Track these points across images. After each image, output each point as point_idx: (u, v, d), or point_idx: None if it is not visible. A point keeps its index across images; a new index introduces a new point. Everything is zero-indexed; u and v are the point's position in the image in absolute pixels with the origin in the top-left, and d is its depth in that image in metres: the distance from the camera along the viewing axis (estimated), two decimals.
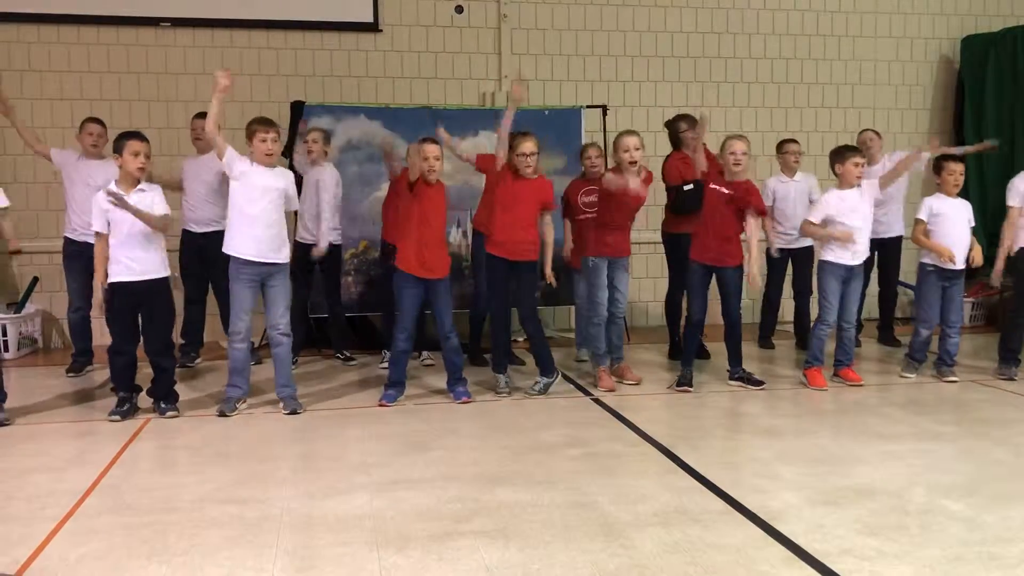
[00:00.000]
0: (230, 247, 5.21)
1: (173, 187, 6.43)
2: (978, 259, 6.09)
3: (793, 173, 7.13)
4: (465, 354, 6.33)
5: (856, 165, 5.82)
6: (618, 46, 8.47)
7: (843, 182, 5.87)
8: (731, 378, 6.00)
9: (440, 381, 5.92)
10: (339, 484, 4.03)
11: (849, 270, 5.88)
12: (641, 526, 3.49)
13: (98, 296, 5.14)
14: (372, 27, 8.00)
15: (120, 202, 4.95)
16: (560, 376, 5.90)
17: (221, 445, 4.70)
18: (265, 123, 5.26)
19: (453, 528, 3.49)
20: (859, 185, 5.88)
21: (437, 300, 5.54)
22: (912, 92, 9.10)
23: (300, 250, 6.44)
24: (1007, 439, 4.70)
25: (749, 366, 6.06)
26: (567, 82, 8.37)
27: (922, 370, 6.26)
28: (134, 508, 3.74)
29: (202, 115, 6.66)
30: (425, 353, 6.76)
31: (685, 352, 5.95)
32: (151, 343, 5.22)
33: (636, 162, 5.69)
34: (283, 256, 5.31)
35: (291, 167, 6.53)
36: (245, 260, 5.19)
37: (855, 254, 5.86)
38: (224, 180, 5.62)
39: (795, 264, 7.26)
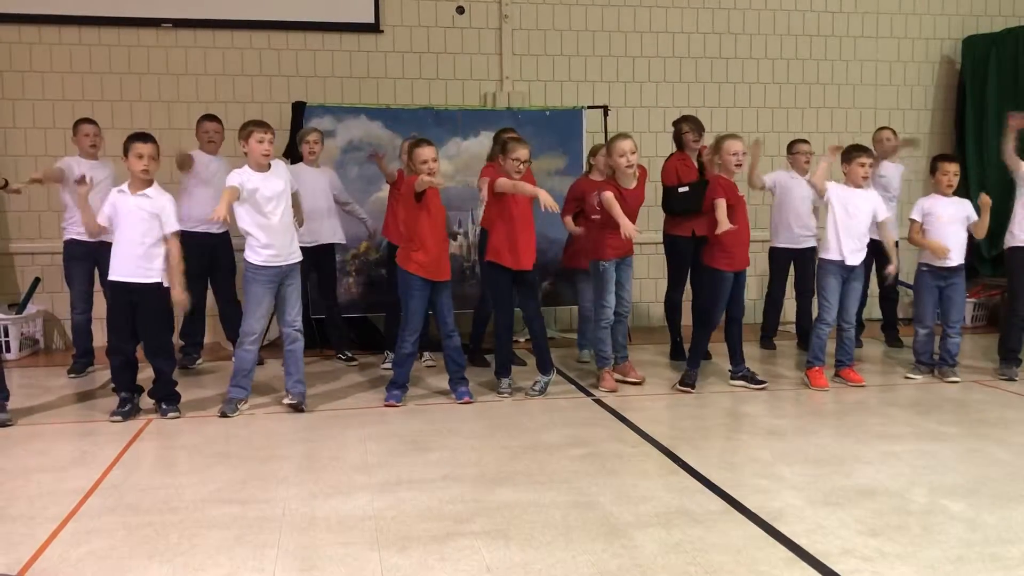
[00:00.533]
0: (252, 255, 5.22)
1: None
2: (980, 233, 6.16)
3: (803, 173, 7.11)
4: (466, 354, 6.34)
5: (861, 165, 5.83)
6: (619, 47, 8.47)
7: (849, 182, 5.89)
8: (733, 378, 6.00)
9: (441, 382, 5.92)
10: (340, 484, 4.03)
11: (848, 269, 5.88)
12: (642, 526, 3.49)
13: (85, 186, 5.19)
14: (373, 28, 8.01)
15: (80, 182, 5.15)
16: (555, 372, 5.91)
17: (222, 446, 4.70)
18: (261, 124, 5.28)
19: (454, 528, 3.49)
20: (865, 185, 5.90)
21: (440, 300, 5.55)
22: (913, 92, 9.10)
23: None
24: (1008, 439, 4.70)
25: (750, 366, 6.05)
26: (568, 83, 8.38)
27: (925, 371, 6.25)
28: (135, 508, 3.75)
29: (212, 117, 6.70)
30: (427, 354, 6.76)
31: (693, 353, 5.94)
32: (147, 345, 5.24)
33: (632, 166, 5.68)
34: (298, 254, 5.37)
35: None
36: (265, 265, 5.21)
37: (853, 254, 5.86)
38: None
39: (797, 264, 7.26)
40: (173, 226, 5.14)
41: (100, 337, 6.39)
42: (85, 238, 6.10)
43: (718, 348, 6.41)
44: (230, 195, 5.04)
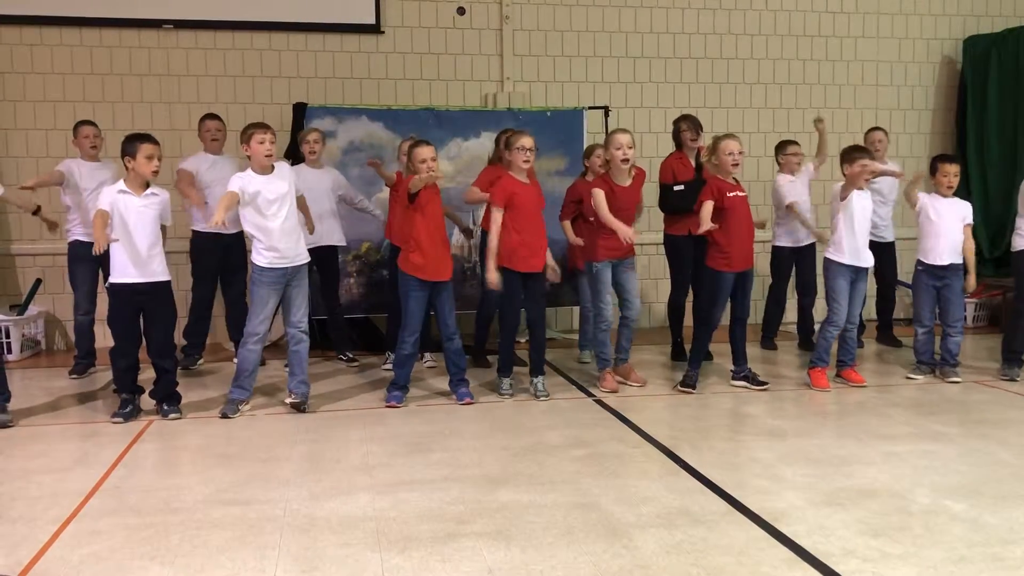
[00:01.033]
0: (257, 257, 5.24)
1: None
2: (971, 283, 6.16)
3: (795, 174, 7.13)
4: (468, 355, 6.33)
5: (862, 166, 5.81)
6: (620, 47, 8.47)
7: (852, 184, 5.88)
8: (735, 378, 6.00)
9: (442, 382, 5.92)
10: (341, 485, 4.03)
11: (856, 271, 5.88)
12: (643, 527, 3.48)
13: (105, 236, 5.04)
14: (374, 29, 8.01)
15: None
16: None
17: (223, 446, 4.70)
18: (261, 126, 5.29)
19: (455, 529, 3.49)
20: (865, 187, 5.90)
21: (441, 302, 5.55)
22: (914, 93, 9.09)
23: None
24: (1010, 440, 4.70)
25: (751, 366, 6.04)
26: (568, 83, 8.37)
27: (927, 372, 6.25)
28: (137, 509, 3.75)
29: (213, 116, 6.71)
30: (427, 355, 6.76)
31: (694, 354, 5.93)
32: (153, 345, 5.23)
33: (628, 159, 5.66)
34: (304, 256, 5.37)
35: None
36: (270, 267, 5.22)
37: (861, 257, 5.86)
38: None
39: (798, 263, 7.26)
40: (169, 219, 5.33)
41: (101, 338, 6.40)
42: (89, 239, 6.10)
43: (720, 348, 6.41)
44: (228, 200, 5.06)
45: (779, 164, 7.22)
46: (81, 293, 6.36)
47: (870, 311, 7.66)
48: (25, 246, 7.54)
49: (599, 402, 5.63)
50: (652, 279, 8.38)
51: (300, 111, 7.36)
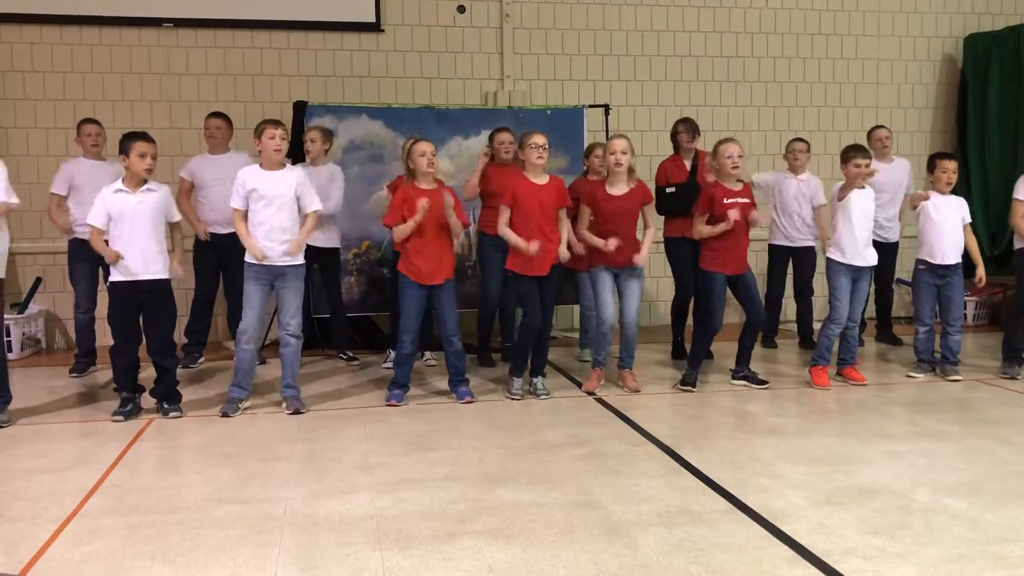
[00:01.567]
0: (247, 253, 5.27)
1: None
2: (980, 274, 6.16)
3: (798, 172, 7.12)
4: (473, 355, 6.34)
5: (856, 166, 5.80)
6: (620, 45, 8.46)
7: (849, 184, 5.87)
8: (735, 377, 6.00)
9: (443, 381, 5.92)
10: (342, 484, 4.03)
11: (858, 270, 5.88)
12: (644, 526, 3.49)
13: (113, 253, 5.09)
14: (374, 27, 8.00)
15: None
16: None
17: (224, 445, 4.70)
18: (273, 122, 5.36)
19: (456, 528, 3.49)
20: (862, 187, 5.89)
21: (441, 303, 5.54)
22: (915, 91, 9.08)
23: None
24: (1010, 438, 4.70)
25: (752, 365, 6.04)
26: (569, 81, 8.37)
27: (927, 370, 6.25)
28: (137, 508, 3.75)
29: (217, 114, 6.70)
30: (428, 354, 6.76)
31: (694, 354, 5.93)
32: (153, 343, 5.23)
33: (621, 165, 5.60)
34: (292, 260, 5.32)
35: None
36: (254, 263, 5.23)
37: (864, 257, 5.85)
38: None
39: (796, 263, 7.26)
40: (176, 215, 5.34)
41: (101, 337, 6.40)
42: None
43: (721, 348, 6.41)
44: (236, 224, 5.32)
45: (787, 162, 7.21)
46: (81, 291, 6.36)
47: (869, 310, 7.65)
48: (25, 245, 7.53)
49: (600, 401, 5.63)
50: (652, 278, 8.37)
51: (300, 109, 7.36)
